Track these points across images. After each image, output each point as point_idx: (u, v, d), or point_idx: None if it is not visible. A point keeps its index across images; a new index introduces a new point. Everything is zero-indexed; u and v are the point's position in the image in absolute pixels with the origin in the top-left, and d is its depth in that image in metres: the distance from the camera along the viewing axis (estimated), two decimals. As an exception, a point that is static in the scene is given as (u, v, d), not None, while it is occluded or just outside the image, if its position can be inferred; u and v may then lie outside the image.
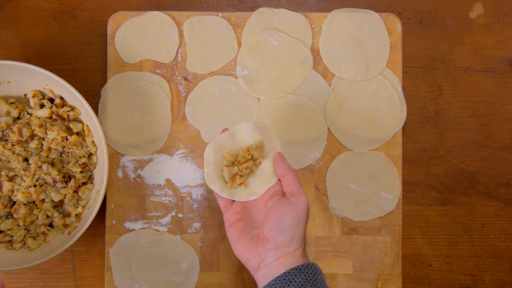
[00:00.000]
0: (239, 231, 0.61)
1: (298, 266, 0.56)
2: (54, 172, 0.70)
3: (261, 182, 0.63)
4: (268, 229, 0.59)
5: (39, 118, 0.71)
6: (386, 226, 0.75)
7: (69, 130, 0.72)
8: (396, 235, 0.75)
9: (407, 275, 0.76)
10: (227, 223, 0.63)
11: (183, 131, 0.75)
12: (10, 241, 0.71)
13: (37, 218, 0.72)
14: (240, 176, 0.63)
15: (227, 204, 0.64)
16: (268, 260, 0.58)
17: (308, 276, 0.56)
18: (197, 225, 0.74)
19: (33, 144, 0.70)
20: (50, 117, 0.71)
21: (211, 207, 0.75)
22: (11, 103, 0.71)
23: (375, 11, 0.76)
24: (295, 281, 0.55)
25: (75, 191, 0.72)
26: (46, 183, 0.72)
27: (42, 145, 0.71)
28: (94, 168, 0.73)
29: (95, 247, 0.75)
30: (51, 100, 0.72)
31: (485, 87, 0.77)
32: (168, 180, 0.75)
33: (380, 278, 0.74)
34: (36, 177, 0.70)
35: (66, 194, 0.71)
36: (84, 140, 0.72)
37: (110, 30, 0.75)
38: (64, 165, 0.72)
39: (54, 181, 0.70)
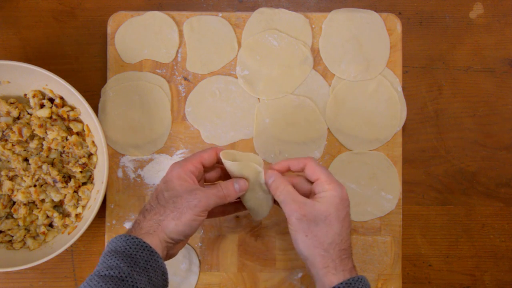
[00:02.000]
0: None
1: (346, 281, 0.54)
2: (54, 172, 0.70)
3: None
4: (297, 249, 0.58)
5: (39, 118, 0.71)
6: (386, 226, 0.75)
7: (69, 130, 0.72)
8: (396, 235, 0.75)
9: (407, 275, 0.76)
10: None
11: (183, 131, 0.75)
12: (10, 241, 0.71)
13: (37, 218, 0.72)
14: None
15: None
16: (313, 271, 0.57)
17: None
18: (197, 225, 0.74)
19: (33, 144, 0.70)
20: (50, 117, 0.71)
21: (211, 207, 0.75)
22: (11, 103, 0.71)
23: (375, 11, 0.76)
24: None
25: (75, 191, 0.72)
26: (46, 183, 0.72)
27: (42, 145, 0.71)
28: (94, 168, 0.73)
29: (95, 247, 0.75)
30: (51, 100, 0.72)
31: (485, 87, 0.77)
32: (168, 180, 0.75)
33: (380, 278, 0.74)
34: (36, 177, 0.70)
35: (66, 194, 0.71)
36: (84, 140, 0.72)
37: (110, 30, 0.75)
38: (64, 165, 0.72)
39: (54, 181, 0.70)
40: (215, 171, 0.64)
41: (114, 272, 0.51)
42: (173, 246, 0.58)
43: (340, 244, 0.56)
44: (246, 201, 0.62)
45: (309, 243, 0.56)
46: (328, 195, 0.57)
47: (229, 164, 0.60)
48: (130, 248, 0.53)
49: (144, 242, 0.53)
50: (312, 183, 0.60)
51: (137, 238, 0.54)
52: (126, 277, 0.51)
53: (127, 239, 0.54)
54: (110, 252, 0.53)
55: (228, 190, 0.59)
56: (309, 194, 0.60)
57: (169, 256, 0.59)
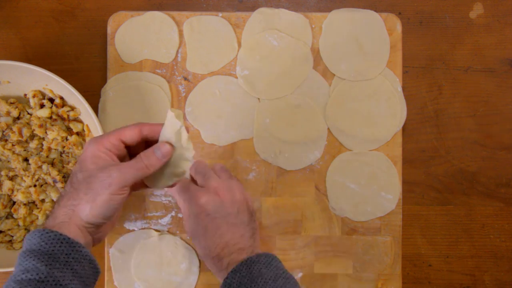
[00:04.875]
0: None
1: (234, 268, 0.54)
2: (54, 172, 0.70)
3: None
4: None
5: (39, 118, 0.71)
6: (386, 226, 0.75)
7: (69, 130, 0.72)
8: (396, 235, 0.75)
9: (407, 275, 0.76)
10: None
11: (183, 131, 0.75)
12: (10, 241, 0.71)
13: (37, 218, 0.72)
14: None
15: None
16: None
17: (243, 276, 0.53)
18: (197, 225, 0.74)
19: (33, 144, 0.70)
20: (50, 117, 0.71)
21: (211, 207, 0.75)
22: (11, 103, 0.71)
23: (375, 11, 0.76)
24: (233, 285, 0.52)
25: (75, 191, 0.72)
26: (46, 183, 0.72)
27: (42, 145, 0.71)
28: (94, 168, 0.73)
29: (95, 247, 0.75)
30: (51, 100, 0.72)
31: (485, 87, 0.77)
32: (168, 180, 0.75)
33: (380, 278, 0.74)
34: (36, 177, 0.70)
35: (66, 194, 0.71)
36: (84, 140, 0.72)
37: (110, 30, 0.75)
38: (64, 165, 0.72)
39: (54, 181, 0.70)
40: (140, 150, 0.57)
41: (32, 275, 0.47)
42: (96, 230, 0.54)
43: (211, 253, 0.57)
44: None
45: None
46: (184, 211, 0.60)
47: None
48: (46, 244, 0.48)
49: (61, 235, 0.49)
50: None
51: (52, 232, 0.49)
52: (45, 277, 0.47)
53: (41, 235, 0.49)
54: (26, 252, 0.49)
55: (149, 160, 0.53)
56: None
57: (97, 240, 0.55)
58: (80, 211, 0.51)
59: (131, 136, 0.54)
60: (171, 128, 0.55)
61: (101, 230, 0.55)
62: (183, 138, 0.56)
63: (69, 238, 0.49)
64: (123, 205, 0.55)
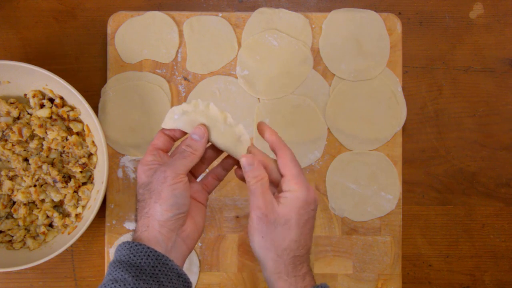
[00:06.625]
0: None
1: None
2: (54, 172, 0.70)
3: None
4: (254, 247, 0.55)
5: (39, 118, 0.71)
6: (386, 226, 0.75)
7: (69, 130, 0.72)
8: (396, 235, 0.75)
9: (407, 275, 0.76)
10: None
11: (183, 131, 0.75)
12: (10, 241, 0.71)
13: (37, 218, 0.72)
14: None
15: None
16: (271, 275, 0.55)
17: None
18: (197, 225, 0.74)
19: (33, 144, 0.70)
20: (50, 117, 0.71)
21: (211, 207, 0.75)
22: (11, 103, 0.71)
23: (375, 11, 0.76)
24: None
25: (75, 191, 0.72)
26: (46, 183, 0.72)
27: (42, 145, 0.71)
28: (94, 168, 0.73)
29: (95, 247, 0.75)
30: (51, 100, 0.72)
31: (485, 87, 0.77)
32: (168, 180, 0.75)
33: (380, 278, 0.74)
34: (36, 177, 0.70)
35: (66, 194, 0.71)
36: (84, 140, 0.72)
37: (110, 30, 0.75)
38: (64, 165, 0.72)
39: (54, 181, 0.70)
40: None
41: (120, 285, 0.49)
42: (179, 228, 0.54)
43: (295, 251, 0.54)
44: (219, 144, 0.56)
45: (263, 245, 0.54)
46: (292, 197, 0.54)
47: (173, 125, 0.56)
48: (134, 256, 0.51)
49: (148, 248, 0.51)
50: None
51: (140, 245, 0.51)
52: None
53: (131, 247, 0.52)
54: (115, 262, 0.52)
55: (191, 146, 0.55)
56: (277, 184, 0.57)
57: (189, 245, 0.55)
58: (154, 214, 0.53)
59: (161, 141, 0.57)
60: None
61: (186, 230, 0.55)
62: (212, 111, 0.55)
63: (155, 251, 0.51)
64: (190, 198, 0.55)
